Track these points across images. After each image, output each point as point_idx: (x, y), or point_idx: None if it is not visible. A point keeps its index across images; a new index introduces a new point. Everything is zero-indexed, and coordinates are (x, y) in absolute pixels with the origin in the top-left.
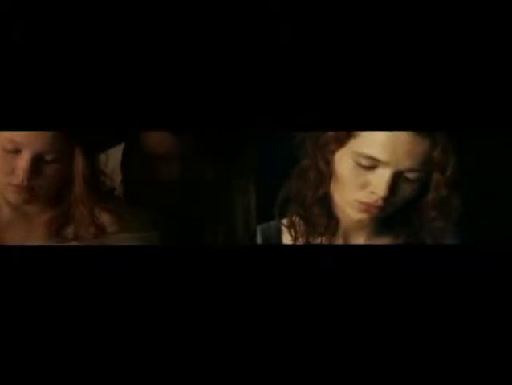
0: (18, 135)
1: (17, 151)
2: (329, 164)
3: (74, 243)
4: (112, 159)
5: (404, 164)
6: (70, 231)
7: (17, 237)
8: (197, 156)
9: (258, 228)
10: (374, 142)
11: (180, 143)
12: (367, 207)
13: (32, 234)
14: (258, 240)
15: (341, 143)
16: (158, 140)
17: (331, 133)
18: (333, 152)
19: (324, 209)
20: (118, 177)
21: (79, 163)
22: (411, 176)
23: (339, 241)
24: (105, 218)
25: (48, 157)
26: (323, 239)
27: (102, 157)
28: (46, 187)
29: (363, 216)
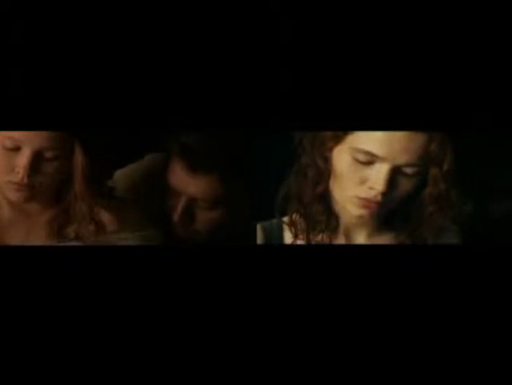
0: (17, 133)
1: (17, 149)
2: (327, 160)
3: (74, 243)
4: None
5: (401, 158)
6: (70, 230)
7: (17, 237)
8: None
9: (261, 226)
10: (370, 137)
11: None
12: (366, 202)
13: (32, 233)
14: (261, 238)
15: (338, 139)
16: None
17: None
18: (331, 149)
19: (324, 206)
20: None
21: (79, 160)
22: (408, 170)
23: (340, 238)
24: (105, 216)
25: (48, 154)
26: (324, 236)
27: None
28: (46, 184)
29: (362, 212)
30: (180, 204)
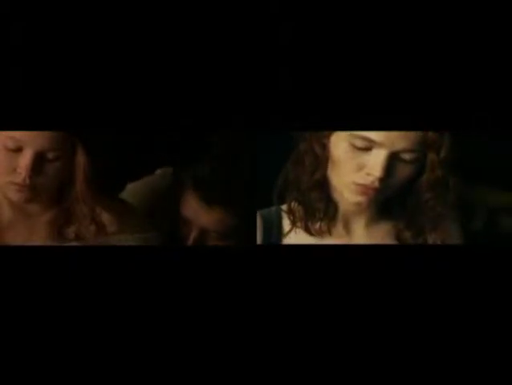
0: (19, 134)
1: (18, 150)
2: (325, 147)
3: (74, 243)
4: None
5: (399, 144)
6: (71, 231)
7: (18, 237)
8: (211, 188)
9: (260, 215)
10: None
11: (194, 175)
12: (364, 189)
13: (33, 234)
14: (260, 226)
15: None
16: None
17: None
18: (328, 136)
19: (322, 194)
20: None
21: (81, 161)
22: (406, 156)
23: (338, 225)
24: (106, 217)
25: (50, 155)
26: (322, 224)
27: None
28: (47, 185)
29: (360, 198)
30: (192, 235)
